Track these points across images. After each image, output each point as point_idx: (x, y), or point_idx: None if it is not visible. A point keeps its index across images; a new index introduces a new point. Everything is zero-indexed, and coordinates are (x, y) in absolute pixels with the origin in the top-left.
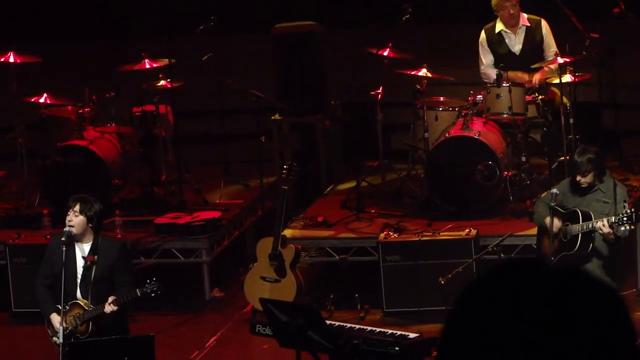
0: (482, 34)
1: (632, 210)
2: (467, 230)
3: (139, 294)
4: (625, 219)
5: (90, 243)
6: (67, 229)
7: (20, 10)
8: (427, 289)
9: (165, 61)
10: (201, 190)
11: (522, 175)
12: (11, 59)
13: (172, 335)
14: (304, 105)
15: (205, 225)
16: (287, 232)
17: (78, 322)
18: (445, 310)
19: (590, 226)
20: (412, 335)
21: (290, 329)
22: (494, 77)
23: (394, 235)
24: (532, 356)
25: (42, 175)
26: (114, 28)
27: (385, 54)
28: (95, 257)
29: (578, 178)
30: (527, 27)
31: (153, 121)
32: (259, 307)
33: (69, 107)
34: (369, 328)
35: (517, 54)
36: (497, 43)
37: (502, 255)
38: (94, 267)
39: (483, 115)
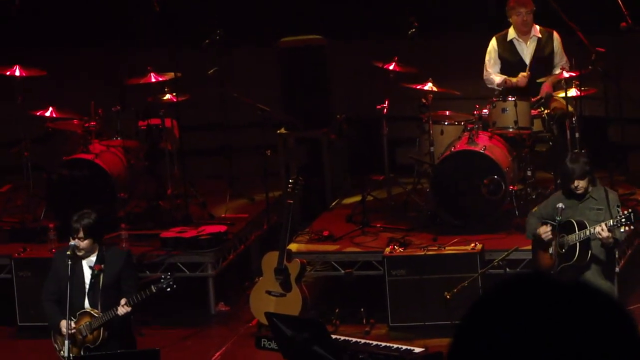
0: (493, 41)
1: (630, 211)
2: (472, 245)
3: (154, 291)
4: (623, 220)
5: (96, 253)
6: (72, 242)
7: (25, 24)
8: (432, 304)
9: (171, 75)
10: (207, 204)
11: (528, 189)
12: (17, 73)
13: (177, 350)
14: (310, 119)
15: (211, 239)
16: (293, 246)
17: (87, 331)
18: (451, 325)
19: (587, 234)
20: (417, 349)
21: (295, 343)
22: (497, 81)
23: (399, 250)
24: None
25: (47, 189)
26: (119, 41)
27: (391, 67)
28: (102, 265)
29: (576, 183)
30: (538, 38)
31: (159, 135)
32: (264, 321)
33: (75, 121)
34: (375, 343)
35: (527, 63)
36: (508, 51)
37: (507, 269)
38: (101, 275)
39: (489, 130)
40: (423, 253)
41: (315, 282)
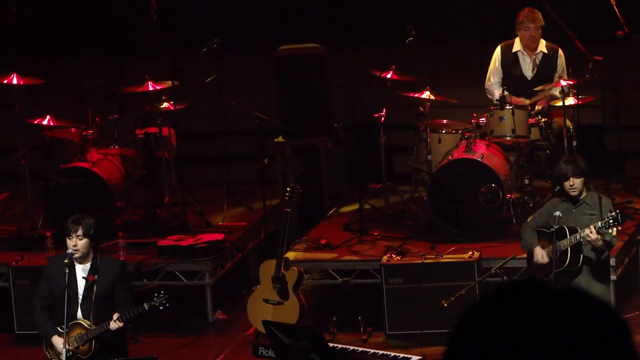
0: (498, 50)
1: (617, 212)
2: (470, 253)
3: (147, 308)
4: (611, 221)
5: (90, 263)
6: (69, 251)
7: (23, 32)
8: (430, 312)
9: (169, 83)
10: (204, 213)
11: (525, 197)
12: (14, 81)
13: (175, 358)
14: (307, 127)
15: (209, 248)
16: (290, 255)
17: (80, 342)
18: (449, 333)
19: (578, 237)
20: (414, 357)
21: (293, 351)
22: (497, 96)
23: (396, 258)
24: None
25: (45, 197)
26: (116, 49)
27: (389, 76)
28: (96, 276)
29: (571, 182)
30: (544, 53)
31: (156, 143)
32: (262, 329)
33: (72, 129)
34: (372, 350)
35: (529, 79)
36: (511, 63)
37: (505, 277)
38: (95, 287)
39: (486, 138)
40: (420, 261)
41: (313, 290)
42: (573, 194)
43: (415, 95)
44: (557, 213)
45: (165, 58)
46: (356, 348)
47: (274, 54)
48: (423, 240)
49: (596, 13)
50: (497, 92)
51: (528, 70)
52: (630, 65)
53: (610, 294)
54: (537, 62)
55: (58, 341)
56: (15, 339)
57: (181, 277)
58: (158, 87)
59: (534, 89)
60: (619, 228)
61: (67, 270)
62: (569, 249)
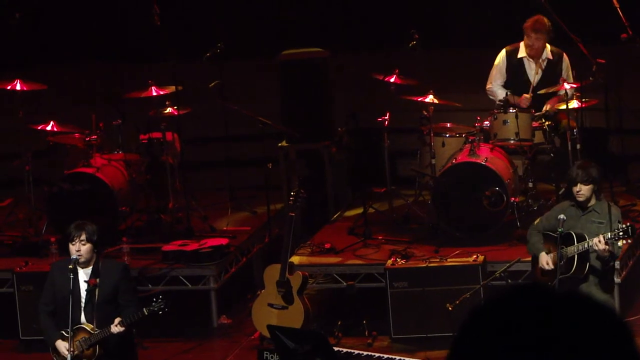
0: (503, 54)
1: (628, 225)
2: (474, 257)
3: (146, 313)
4: (621, 233)
5: (91, 267)
6: (74, 256)
7: (26, 38)
8: (434, 315)
9: (172, 88)
10: (208, 218)
11: (529, 201)
12: (18, 87)
13: None
14: (311, 132)
15: (213, 252)
16: (295, 259)
17: (84, 346)
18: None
19: (585, 246)
20: None
21: (298, 355)
22: (500, 96)
23: (401, 262)
24: None
25: (49, 203)
26: (120, 55)
27: (392, 80)
28: (97, 279)
29: (578, 187)
30: (549, 59)
31: (160, 148)
32: (266, 334)
33: (76, 135)
34: (377, 354)
35: (534, 84)
36: (515, 68)
37: (509, 281)
38: (97, 290)
39: (490, 141)
40: (425, 265)
41: (317, 294)
42: (579, 199)
43: (419, 99)
44: (562, 216)
45: (169, 63)
46: (361, 352)
47: (277, 58)
48: (427, 244)
49: (600, 16)
50: (500, 93)
51: (533, 76)
52: (633, 68)
53: (615, 302)
54: (543, 67)
55: (62, 345)
56: (20, 344)
57: (185, 282)
58: (162, 92)
59: (538, 92)
60: (630, 241)
61: (71, 276)
62: (575, 256)
